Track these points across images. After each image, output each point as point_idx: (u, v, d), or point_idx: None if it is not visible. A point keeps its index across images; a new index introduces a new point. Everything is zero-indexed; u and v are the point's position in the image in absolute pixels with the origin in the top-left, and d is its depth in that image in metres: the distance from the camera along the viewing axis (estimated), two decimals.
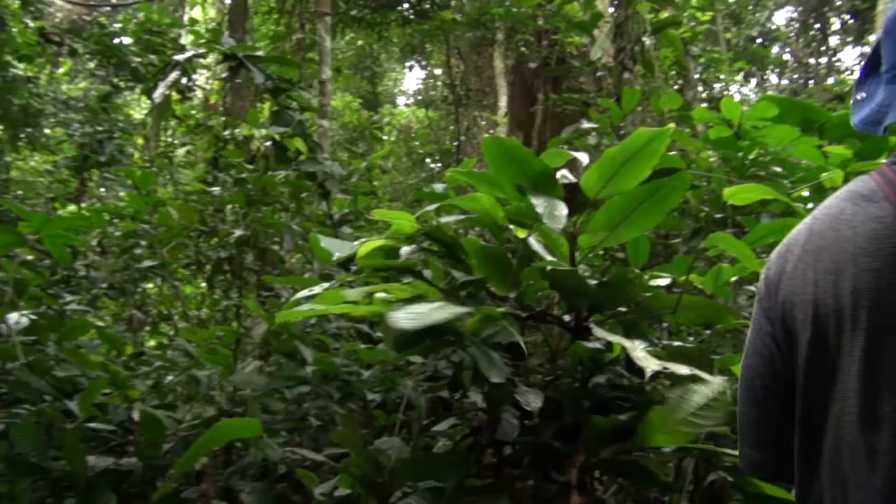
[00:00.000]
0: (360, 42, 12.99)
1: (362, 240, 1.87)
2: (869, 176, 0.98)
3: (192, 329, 3.31)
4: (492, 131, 11.15)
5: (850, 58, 19.73)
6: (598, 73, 5.88)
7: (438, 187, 2.61)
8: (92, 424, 2.20)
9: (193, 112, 8.28)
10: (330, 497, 1.87)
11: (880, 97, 1.00)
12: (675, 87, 8.38)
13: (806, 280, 0.96)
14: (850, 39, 17.87)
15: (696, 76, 9.15)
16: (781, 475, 1.09)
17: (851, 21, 17.27)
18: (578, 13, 6.72)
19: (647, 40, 5.51)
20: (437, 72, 15.21)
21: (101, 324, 3.60)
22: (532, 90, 7.42)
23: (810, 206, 3.42)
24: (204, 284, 4.54)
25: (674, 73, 8.06)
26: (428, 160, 13.68)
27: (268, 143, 3.92)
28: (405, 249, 1.83)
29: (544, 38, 7.37)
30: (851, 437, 0.86)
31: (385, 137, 12.81)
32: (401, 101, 18.88)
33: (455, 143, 9.33)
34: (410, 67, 17.00)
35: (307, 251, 3.88)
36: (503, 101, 10.06)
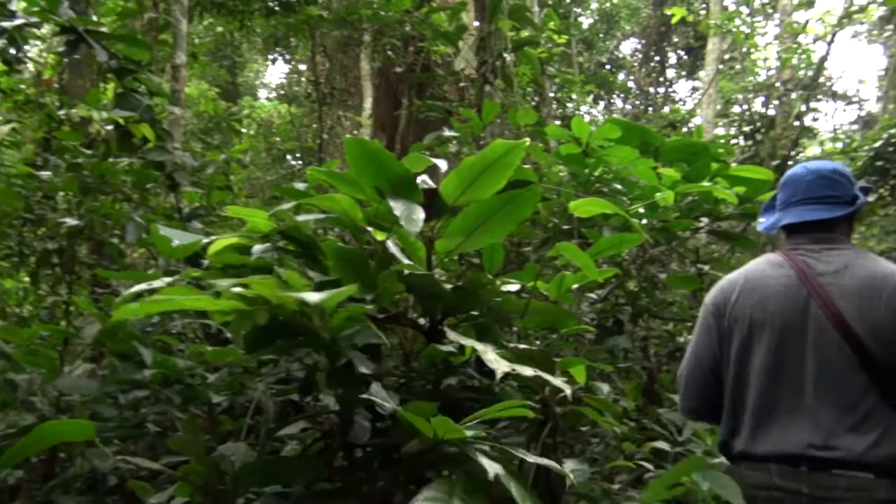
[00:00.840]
0: (219, 29, 12.36)
1: (212, 238, 1.77)
2: (777, 254, 1.90)
3: (10, 328, 2.96)
4: (355, 132, 11.08)
5: (684, 90, 21.90)
6: (461, 84, 6.05)
7: (299, 186, 2.55)
8: None
9: (23, 87, 7.42)
10: None
11: (775, 217, 1.96)
12: (532, 103, 8.82)
13: (745, 306, 1.83)
14: (683, 73, 19.83)
15: (551, 95, 9.69)
16: (706, 417, 2.01)
17: (686, 57, 19.18)
18: (444, 23, 6.88)
19: (508, 56, 5.76)
20: (302, 67, 14.86)
21: None
22: (397, 94, 7.47)
23: (644, 221, 3.75)
24: (27, 279, 4.08)
25: (531, 89, 8.48)
26: (289, 157, 13.31)
27: (109, 127, 3.61)
28: (258, 247, 1.76)
29: (411, 45, 7.45)
30: (757, 378, 1.79)
31: (244, 130, 12.28)
32: (262, 94, 18.22)
33: (317, 142, 9.15)
34: (273, 60, 16.44)
35: (151, 246, 3.62)
36: (368, 103, 10.04)
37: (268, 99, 17.22)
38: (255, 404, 2.13)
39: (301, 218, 2.01)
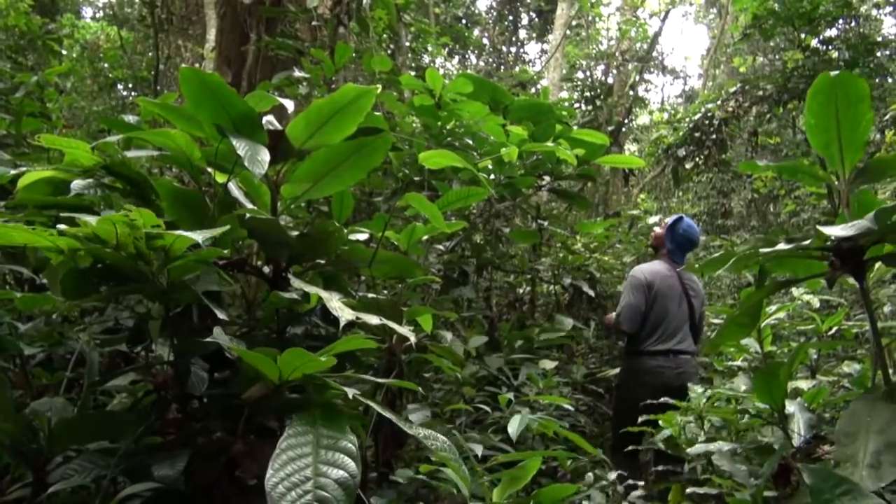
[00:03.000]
0: None
1: (23, 169, 1.56)
2: (662, 260, 4.49)
3: None
4: (197, 65, 10.24)
5: (534, 51, 22.66)
6: (314, 23, 5.78)
7: (129, 118, 2.32)
8: None
9: None
10: None
11: (673, 248, 4.52)
12: (388, 51, 8.66)
13: (659, 286, 4.30)
14: (534, 35, 20.48)
15: (407, 44, 9.58)
16: (635, 331, 4.28)
17: (536, 20, 19.79)
18: None
19: None
20: None
21: None
22: (245, 28, 6.97)
23: (492, 177, 3.88)
24: None
25: (386, 36, 8.32)
26: (119, 87, 12.05)
27: None
28: (78, 183, 1.58)
29: None
30: (661, 318, 4.32)
31: (64, 52, 10.88)
32: (86, 12, 16.23)
33: (153, 73, 8.35)
34: None
35: None
36: (212, 35, 9.28)
37: (93, 19, 15.37)
38: (78, 356, 1.95)
39: (131, 154, 1.84)
